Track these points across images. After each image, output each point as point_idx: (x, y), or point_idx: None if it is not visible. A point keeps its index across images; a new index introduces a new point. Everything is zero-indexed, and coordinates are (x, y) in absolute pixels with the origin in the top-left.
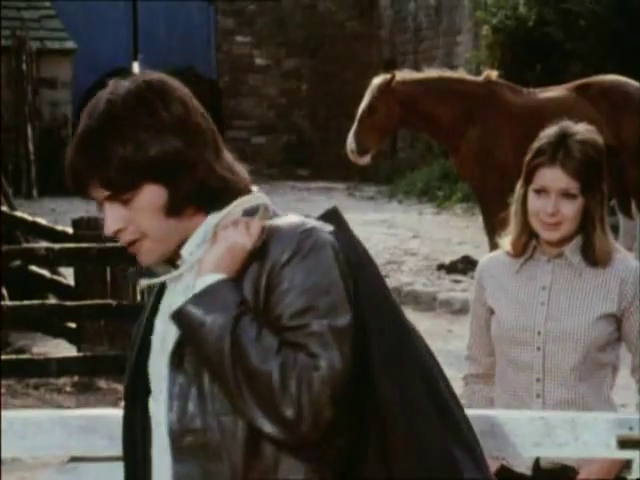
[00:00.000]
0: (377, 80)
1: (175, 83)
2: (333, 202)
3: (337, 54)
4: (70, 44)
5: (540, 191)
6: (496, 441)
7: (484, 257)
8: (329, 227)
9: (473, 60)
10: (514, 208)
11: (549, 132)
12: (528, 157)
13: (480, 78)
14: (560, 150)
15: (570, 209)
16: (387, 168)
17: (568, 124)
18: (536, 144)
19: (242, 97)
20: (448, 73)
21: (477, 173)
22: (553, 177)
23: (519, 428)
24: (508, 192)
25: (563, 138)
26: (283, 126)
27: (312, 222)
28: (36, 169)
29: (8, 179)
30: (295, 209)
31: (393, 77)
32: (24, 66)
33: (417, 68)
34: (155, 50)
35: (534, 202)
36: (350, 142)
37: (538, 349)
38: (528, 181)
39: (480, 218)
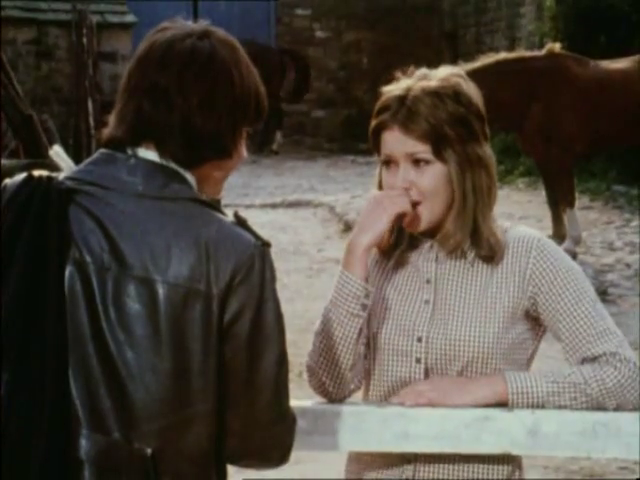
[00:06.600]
0: None
1: None
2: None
3: (398, 26)
4: (130, 18)
5: (389, 162)
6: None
7: None
8: None
9: (536, 32)
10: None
11: (399, 84)
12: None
13: (542, 52)
14: (404, 105)
15: (427, 180)
16: None
17: (423, 71)
18: (380, 99)
19: None
20: (504, 55)
21: (541, 147)
22: (394, 140)
23: (631, 426)
24: (572, 166)
25: (410, 90)
26: (343, 100)
27: None
28: (96, 143)
29: (69, 153)
30: (355, 183)
31: None
32: (84, 40)
33: (479, 41)
34: (215, 23)
35: (384, 178)
36: None
37: (418, 361)
38: (378, 151)
39: (543, 192)
